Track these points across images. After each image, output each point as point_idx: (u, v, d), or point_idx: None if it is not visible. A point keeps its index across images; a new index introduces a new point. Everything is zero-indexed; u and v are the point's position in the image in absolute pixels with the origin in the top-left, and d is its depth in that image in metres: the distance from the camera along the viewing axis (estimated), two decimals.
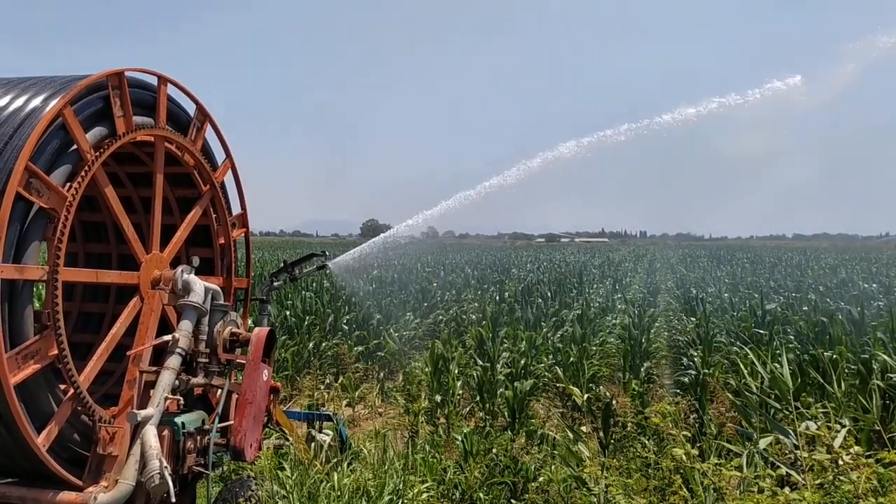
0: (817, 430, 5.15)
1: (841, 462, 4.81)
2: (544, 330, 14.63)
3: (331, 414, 8.40)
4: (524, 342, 12.33)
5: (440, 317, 19.61)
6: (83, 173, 5.08)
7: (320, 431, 7.99)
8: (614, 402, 8.83)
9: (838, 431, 5.13)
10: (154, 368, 5.50)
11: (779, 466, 5.23)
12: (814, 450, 5.05)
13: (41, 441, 4.72)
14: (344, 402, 11.49)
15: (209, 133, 6.65)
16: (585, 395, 9.23)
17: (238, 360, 6.03)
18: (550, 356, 12.56)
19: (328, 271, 9.17)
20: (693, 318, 16.37)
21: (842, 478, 4.72)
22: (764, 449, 5.57)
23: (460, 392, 11.24)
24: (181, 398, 5.47)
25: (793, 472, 5.14)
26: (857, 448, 4.90)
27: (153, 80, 5.89)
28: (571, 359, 11.92)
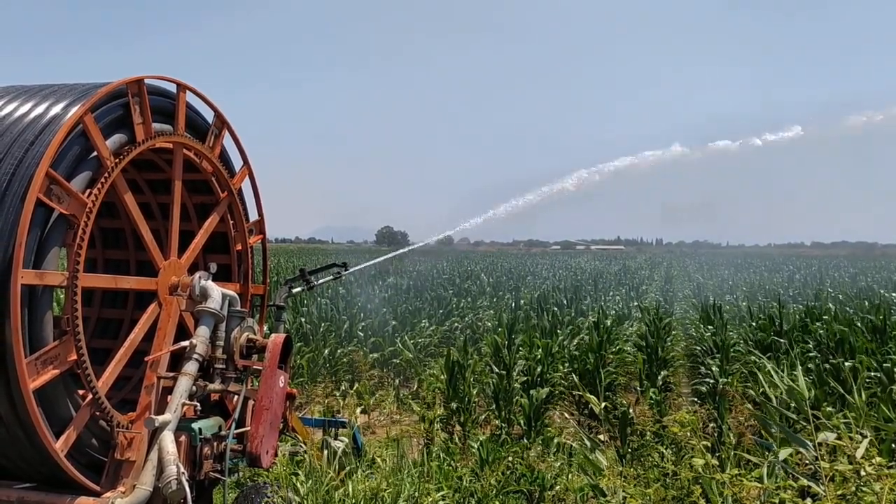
0: (837, 439, 5.07)
1: (863, 473, 4.73)
2: (560, 338, 14.56)
3: (346, 421, 8.40)
4: (540, 350, 12.27)
5: (456, 324, 19.58)
6: (103, 180, 5.11)
7: (335, 438, 7.99)
8: (631, 410, 8.77)
9: (859, 442, 5.04)
10: (171, 374, 5.52)
11: (799, 478, 5.15)
12: (835, 460, 4.97)
13: (59, 446, 4.75)
14: (359, 409, 11.49)
15: (227, 139, 6.69)
16: (603, 404, 9.16)
17: (255, 367, 6.04)
18: (566, 364, 12.50)
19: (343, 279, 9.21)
20: (710, 327, 16.23)
21: (864, 489, 4.64)
22: (784, 460, 5.50)
23: (476, 400, 11.20)
24: (198, 404, 5.48)
25: (813, 484, 5.06)
26: (879, 458, 4.82)
27: (172, 88, 5.92)
28: (588, 367, 11.85)
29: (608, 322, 15.78)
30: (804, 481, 5.06)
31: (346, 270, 8.92)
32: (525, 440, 9.24)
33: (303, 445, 7.16)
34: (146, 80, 5.50)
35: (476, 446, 8.27)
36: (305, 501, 6.33)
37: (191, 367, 5.50)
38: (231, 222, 6.95)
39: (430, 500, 6.80)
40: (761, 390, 7.89)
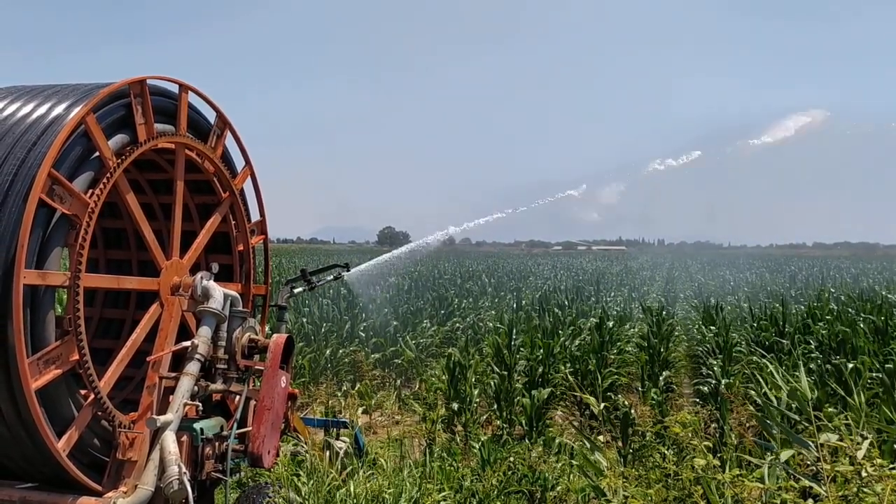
0: (838, 440, 5.06)
1: (864, 474, 4.72)
2: (562, 338, 14.57)
3: (348, 421, 8.40)
4: (541, 350, 12.27)
5: (457, 324, 19.58)
6: (105, 180, 5.13)
7: (337, 438, 7.99)
8: (633, 411, 8.76)
9: (861, 443, 5.04)
10: (173, 374, 5.53)
11: (800, 478, 5.15)
12: (836, 461, 4.97)
13: (61, 446, 4.76)
14: (360, 410, 11.49)
15: (229, 140, 6.69)
16: (603, 405, 9.16)
17: (256, 367, 6.05)
18: (568, 364, 12.50)
19: (344, 279, 9.22)
20: (712, 327, 16.22)
21: (865, 489, 4.64)
22: (785, 461, 5.49)
23: (477, 400, 11.20)
24: (200, 404, 5.49)
25: (814, 484, 5.06)
26: (880, 459, 4.82)
27: (174, 88, 5.93)
28: (589, 367, 11.84)
29: (610, 322, 15.78)
30: (805, 482, 5.05)
31: (347, 271, 8.94)
32: (526, 441, 9.24)
33: (304, 446, 7.16)
34: (148, 81, 5.51)
35: (477, 447, 8.26)
36: (307, 502, 6.33)
37: (193, 368, 5.50)
38: (233, 222, 6.95)
39: (432, 500, 6.80)
40: (763, 391, 7.90)
